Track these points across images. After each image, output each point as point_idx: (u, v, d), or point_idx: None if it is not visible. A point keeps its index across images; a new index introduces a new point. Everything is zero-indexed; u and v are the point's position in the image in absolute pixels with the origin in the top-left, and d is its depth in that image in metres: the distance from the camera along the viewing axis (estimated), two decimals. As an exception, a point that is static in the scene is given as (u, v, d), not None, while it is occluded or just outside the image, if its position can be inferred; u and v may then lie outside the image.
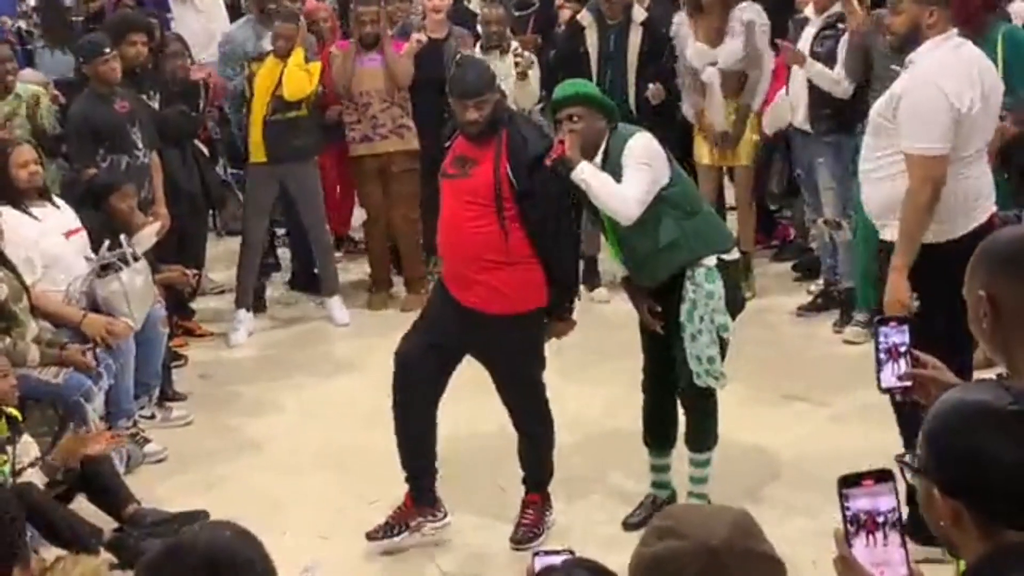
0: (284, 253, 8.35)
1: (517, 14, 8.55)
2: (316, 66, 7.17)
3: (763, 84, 7.13)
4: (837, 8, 6.64)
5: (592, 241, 6.94)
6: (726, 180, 7.82)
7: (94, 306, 5.60)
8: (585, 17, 7.41)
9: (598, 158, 4.54)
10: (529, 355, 4.78)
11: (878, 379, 2.66)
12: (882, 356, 2.64)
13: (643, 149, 4.53)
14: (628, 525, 4.86)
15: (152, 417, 6.01)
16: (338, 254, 8.21)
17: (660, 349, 4.75)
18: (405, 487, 4.83)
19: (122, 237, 5.74)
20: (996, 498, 1.80)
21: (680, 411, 4.83)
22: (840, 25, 6.60)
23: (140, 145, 6.49)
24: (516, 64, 7.40)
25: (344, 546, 4.83)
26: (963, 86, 4.27)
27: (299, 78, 7.04)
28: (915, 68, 4.33)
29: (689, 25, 7.14)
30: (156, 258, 6.17)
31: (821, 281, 7.21)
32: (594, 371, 6.19)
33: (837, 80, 6.53)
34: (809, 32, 6.75)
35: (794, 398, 5.99)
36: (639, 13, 7.35)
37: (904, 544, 1.91)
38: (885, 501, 1.91)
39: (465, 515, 4.99)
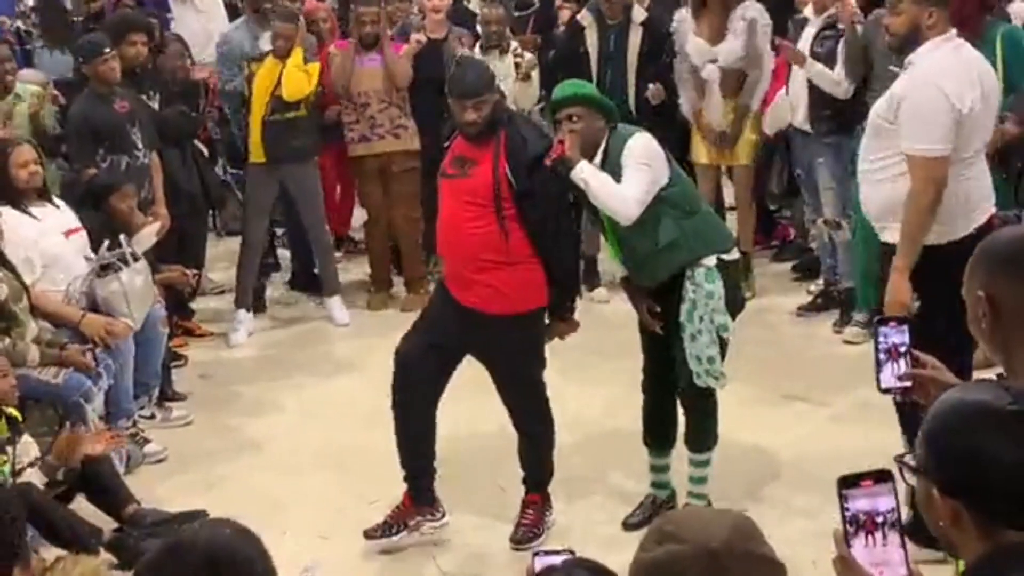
0: (284, 253, 8.35)
1: (517, 14, 8.56)
2: (315, 66, 7.17)
3: (762, 84, 7.13)
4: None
5: (592, 241, 6.94)
6: (725, 180, 7.83)
7: (94, 306, 5.60)
8: (585, 17, 7.42)
9: (597, 158, 4.54)
10: (529, 355, 4.78)
11: (878, 379, 2.66)
12: (882, 356, 2.65)
13: (642, 149, 4.53)
14: (628, 525, 4.86)
15: (152, 417, 6.01)
16: (338, 254, 8.22)
17: (660, 349, 4.75)
18: (404, 487, 4.83)
19: (122, 237, 5.74)
20: (995, 498, 1.80)
21: (680, 411, 4.83)
22: (840, 25, 6.60)
23: (140, 145, 6.49)
24: (518, 66, 7.41)
25: (344, 546, 4.83)
26: (963, 87, 4.27)
27: (298, 78, 7.05)
28: (915, 69, 4.33)
29: (691, 22, 7.14)
30: (156, 258, 6.17)
31: (821, 281, 7.22)
32: (594, 371, 6.19)
33: (837, 80, 6.54)
34: (809, 32, 6.75)
35: (794, 398, 5.99)
36: (639, 13, 7.35)
37: (903, 544, 1.91)
38: (884, 501, 1.91)
39: (465, 515, 4.99)
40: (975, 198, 4.39)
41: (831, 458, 4.80)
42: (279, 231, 8.27)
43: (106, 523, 4.76)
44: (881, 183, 4.42)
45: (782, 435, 5.56)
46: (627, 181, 4.47)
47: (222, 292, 7.91)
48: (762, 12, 7.06)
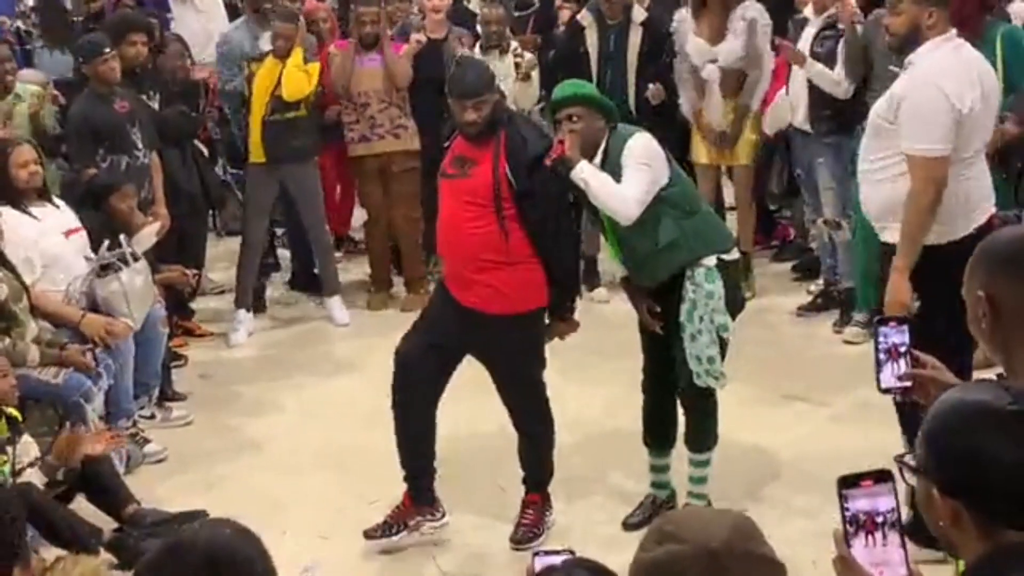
0: (284, 253, 8.36)
1: (517, 14, 8.56)
2: (315, 66, 7.17)
3: (762, 84, 7.13)
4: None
5: (592, 241, 6.94)
6: (725, 180, 7.83)
7: (94, 306, 5.60)
8: (585, 17, 7.41)
9: (597, 158, 4.54)
10: (529, 355, 4.78)
11: (878, 379, 2.66)
12: (882, 356, 2.64)
13: (642, 149, 4.53)
14: (628, 525, 4.86)
15: (152, 417, 6.01)
16: (338, 254, 8.22)
17: (660, 349, 4.75)
18: (404, 487, 4.83)
19: (121, 237, 5.74)
20: (995, 498, 1.80)
21: (680, 411, 4.83)
22: (840, 25, 6.60)
23: (140, 145, 6.49)
24: (517, 66, 7.40)
25: (344, 546, 4.83)
26: (964, 87, 4.27)
27: (298, 78, 7.05)
28: (915, 69, 4.33)
29: (691, 22, 7.13)
30: (156, 258, 6.17)
31: (821, 281, 7.22)
32: (594, 371, 6.19)
33: (837, 81, 6.54)
34: (809, 32, 6.75)
35: (794, 398, 5.99)
36: (639, 13, 7.35)
37: (903, 544, 1.91)
38: (884, 501, 1.91)
39: (465, 515, 4.99)
40: (975, 198, 4.39)
41: (831, 458, 4.80)
42: (279, 231, 8.28)
43: (106, 523, 4.76)
44: (881, 183, 4.42)
45: (782, 435, 5.56)
46: (627, 181, 4.47)
47: (222, 292, 7.91)
48: (762, 12, 7.06)
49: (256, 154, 7.17)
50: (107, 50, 6.38)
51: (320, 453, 5.69)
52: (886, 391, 2.67)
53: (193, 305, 7.41)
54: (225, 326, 7.32)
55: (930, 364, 2.63)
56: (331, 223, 7.82)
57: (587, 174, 4.47)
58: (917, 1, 4.34)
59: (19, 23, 9.33)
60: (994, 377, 2.10)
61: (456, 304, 4.71)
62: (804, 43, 6.71)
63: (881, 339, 2.65)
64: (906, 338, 2.64)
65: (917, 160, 4.25)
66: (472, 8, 8.81)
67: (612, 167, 4.51)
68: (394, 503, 4.84)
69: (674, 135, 6.98)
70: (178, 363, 6.67)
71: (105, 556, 4.52)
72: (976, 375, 3.53)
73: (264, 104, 7.08)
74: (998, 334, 2.27)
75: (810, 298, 7.22)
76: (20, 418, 4.73)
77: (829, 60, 6.58)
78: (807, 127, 6.77)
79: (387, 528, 4.79)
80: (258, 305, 7.51)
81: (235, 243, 7.68)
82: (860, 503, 1.91)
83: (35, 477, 4.49)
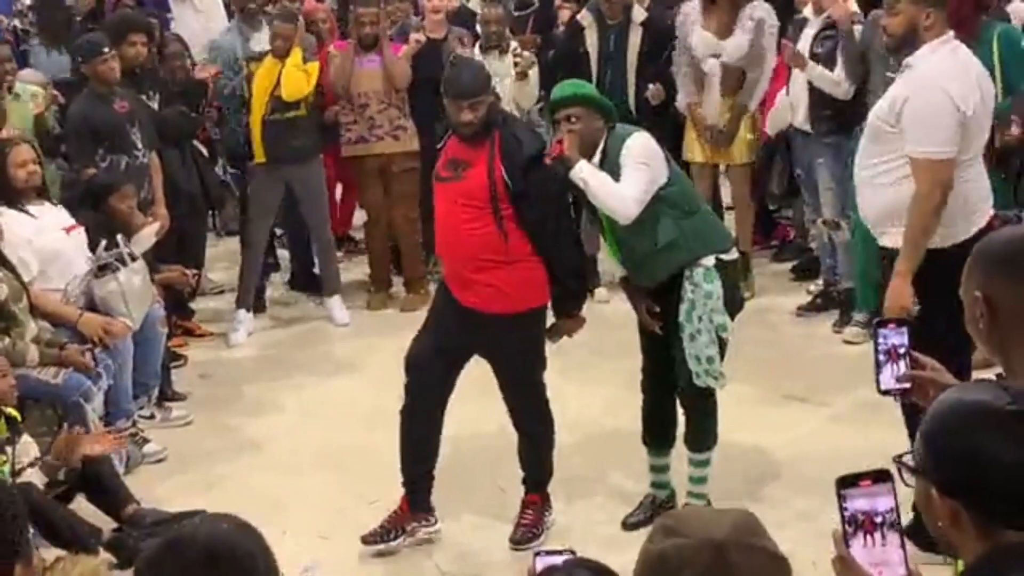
0: (284, 253, 8.35)
1: (516, 14, 8.56)
2: (314, 66, 7.17)
3: (762, 84, 7.13)
4: (837, 8, 6.65)
5: (592, 241, 6.92)
6: (723, 179, 7.82)
7: (92, 306, 5.60)
8: (585, 17, 7.41)
9: (596, 158, 4.54)
10: (530, 355, 4.78)
11: (877, 381, 2.66)
12: (881, 358, 2.64)
13: (641, 148, 4.53)
14: (628, 525, 4.87)
15: (152, 417, 6.01)
16: (338, 254, 8.21)
17: (659, 349, 4.75)
18: (403, 488, 4.83)
19: (119, 237, 5.74)
20: (995, 498, 1.80)
21: (680, 411, 4.83)
22: (840, 26, 6.60)
23: (139, 145, 6.49)
24: (516, 64, 7.40)
25: (344, 546, 4.83)
26: (966, 88, 4.27)
27: (297, 78, 7.05)
28: (915, 72, 4.32)
29: (698, 15, 7.12)
30: (156, 258, 6.17)
31: (820, 281, 7.22)
32: (594, 371, 6.20)
33: (837, 81, 6.54)
34: (809, 33, 6.75)
35: (794, 398, 5.99)
36: (639, 13, 7.35)
37: (903, 544, 1.91)
38: (883, 501, 1.91)
39: (465, 515, 4.99)
40: (973, 199, 4.39)
41: (831, 458, 4.80)
42: (279, 231, 8.27)
43: (106, 523, 4.76)
44: (884, 187, 4.40)
45: (782, 435, 5.56)
46: (626, 180, 4.48)
47: (222, 292, 7.91)
48: (770, 12, 7.06)
49: (258, 154, 7.17)
50: (106, 50, 6.38)
51: (320, 453, 5.69)
52: (885, 392, 2.67)
53: (193, 305, 7.41)
54: (225, 326, 7.32)
55: (929, 365, 2.63)
56: (331, 223, 7.82)
57: (586, 173, 4.47)
58: (915, 1, 4.34)
59: (16, 22, 9.31)
60: (993, 377, 2.10)
61: (457, 304, 4.71)
62: (804, 43, 6.71)
63: (880, 341, 2.65)
64: (905, 339, 2.64)
65: (922, 163, 4.24)
66: (472, 8, 8.81)
67: (611, 167, 4.51)
68: (394, 503, 4.84)
69: (670, 133, 6.98)
70: (178, 363, 6.67)
71: (105, 556, 4.52)
72: (975, 375, 3.53)
73: (264, 104, 7.08)
74: (996, 334, 2.27)
75: (810, 298, 7.22)
76: (19, 418, 4.73)
77: (829, 60, 6.58)
78: (807, 127, 6.77)
79: (385, 533, 4.79)
80: (258, 305, 7.51)
81: (235, 243, 7.68)
82: (859, 503, 1.91)
83: (35, 477, 4.49)
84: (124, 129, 6.42)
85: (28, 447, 4.64)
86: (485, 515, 5.01)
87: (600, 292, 7.33)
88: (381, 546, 4.78)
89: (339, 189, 8.44)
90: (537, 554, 2.07)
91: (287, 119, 7.11)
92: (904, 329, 2.66)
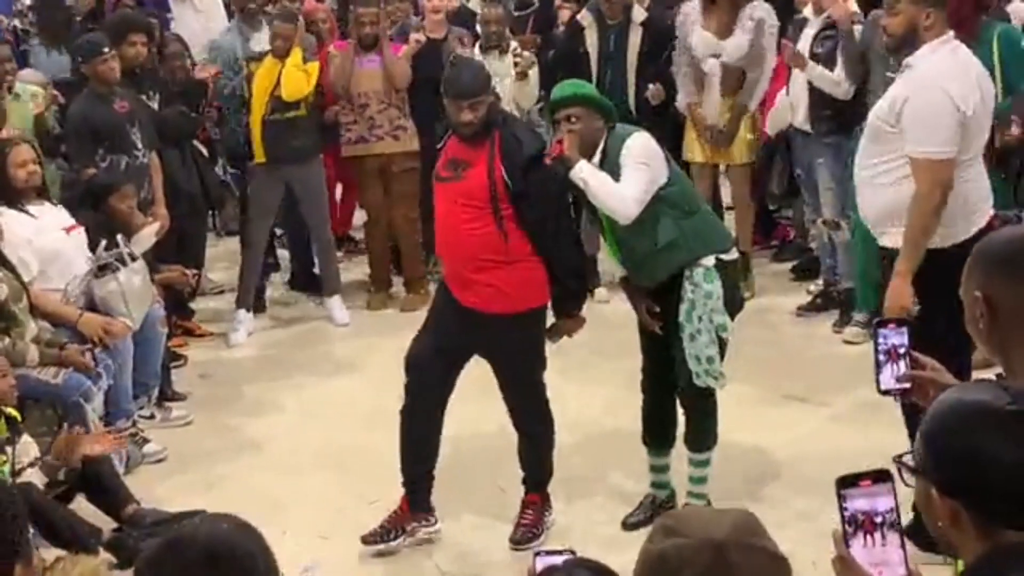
0: (284, 253, 8.35)
1: (516, 14, 8.56)
2: (314, 66, 7.17)
3: (762, 84, 7.13)
4: (837, 8, 6.65)
5: (592, 241, 6.92)
6: (723, 179, 7.82)
7: (92, 306, 5.60)
8: (585, 17, 7.41)
9: (596, 158, 4.54)
10: (530, 355, 4.78)
11: (877, 381, 2.66)
12: (881, 358, 2.64)
13: (641, 148, 4.53)
14: (628, 525, 4.87)
15: (151, 417, 6.01)
16: (338, 254, 8.21)
17: (659, 349, 4.75)
18: (403, 488, 4.83)
19: (119, 237, 5.74)
20: (994, 498, 1.80)
21: (680, 411, 4.83)
22: (840, 26, 6.60)
23: (139, 145, 6.49)
24: (516, 64, 7.40)
25: (344, 546, 4.83)
26: (966, 89, 4.27)
27: (297, 78, 7.05)
28: (915, 72, 4.32)
29: (698, 14, 7.11)
30: (156, 258, 6.17)
31: (820, 281, 7.22)
32: (594, 371, 6.20)
33: (837, 82, 6.54)
34: (809, 33, 6.75)
35: (794, 398, 5.99)
36: (639, 13, 7.35)
37: (903, 544, 1.91)
38: (883, 501, 1.91)
39: (465, 515, 4.99)
40: (973, 199, 4.39)
41: (831, 458, 4.80)
42: (278, 231, 8.27)
43: (106, 523, 4.76)
44: (884, 188, 4.40)
45: (782, 435, 5.56)
46: (626, 180, 4.48)
47: (221, 292, 7.91)
48: (770, 13, 7.06)
49: (258, 154, 7.17)
50: (106, 50, 6.38)
51: (320, 453, 5.69)
52: (885, 393, 2.66)
53: (193, 305, 7.41)
54: (225, 326, 7.32)
55: (929, 365, 2.63)
56: (331, 223, 7.82)
57: (586, 174, 4.47)
58: (915, 1, 4.34)
59: (16, 22, 9.31)
60: (993, 377, 2.10)
61: (457, 304, 4.71)
62: (804, 43, 6.71)
63: (880, 341, 2.65)
64: (905, 339, 2.64)
65: (922, 163, 4.24)
66: (472, 8, 8.81)
67: (611, 167, 4.51)
68: (394, 503, 4.85)
69: (670, 133, 6.99)
70: (178, 363, 6.67)
71: (104, 556, 4.52)
72: (975, 375, 3.53)
73: (264, 104, 7.08)
74: (996, 334, 2.27)
75: (810, 298, 7.22)
76: (19, 418, 4.73)
77: (829, 60, 6.58)
78: (807, 127, 6.77)
79: (385, 533, 4.79)
80: (258, 305, 7.51)
81: (235, 243, 7.68)
82: (859, 503, 1.91)
83: (35, 477, 4.49)
84: (124, 129, 6.42)
85: (28, 447, 4.64)
86: (485, 515, 5.01)
87: (600, 292, 7.33)
88: (381, 546, 4.78)
89: (339, 189, 8.44)
90: (537, 554, 2.07)
91: (287, 119, 7.11)
92: (904, 329, 2.66)
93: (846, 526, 1.92)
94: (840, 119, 6.58)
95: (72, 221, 5.75)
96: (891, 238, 4.39)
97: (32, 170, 5.64)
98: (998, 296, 2.25)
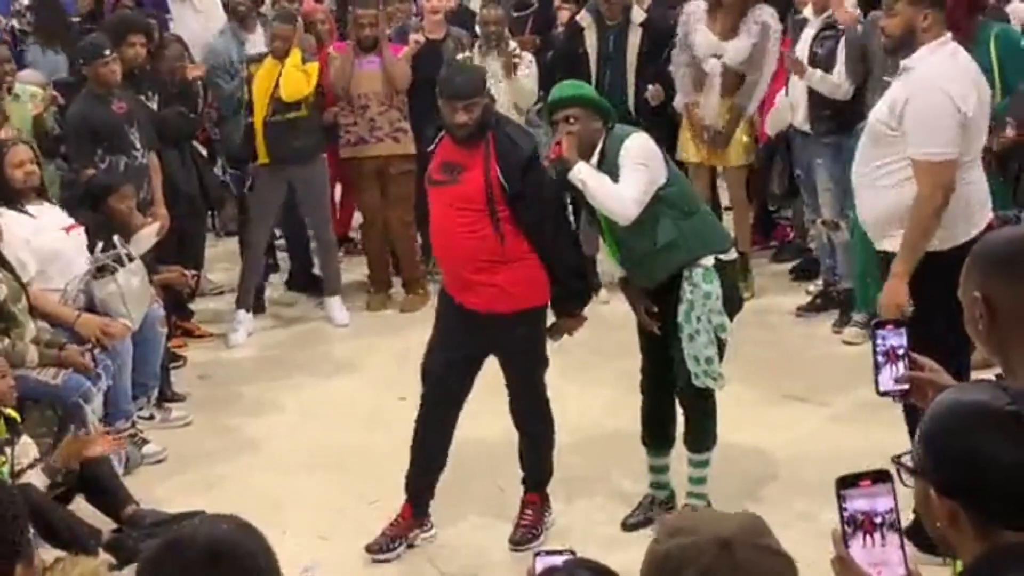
0: (283, 254, 8.35)
1: (516, 15, 8.55)
2: (313, 66, 7.17)
3: (760, 87, 7.12)
4: (837, 8, 6.65)
5: (591, 242, 6.93)
6: (721, 180, 7.82)
7: (91, 307, 5.59)
8: (584, 18, 7.41)
9: (594, 159, 4.55)
10: (531, 354, 4.78)
11: (876, 382, 2.65)
12: (880, 359, 2.64)
13: (640, 149, 4.53)
14: (627, 525, 4.87)
15: (151, 418, 6.00)
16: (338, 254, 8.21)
17: (658, 349, 4.76)
18: (403, 487, 4.83)
19: (116, 238, 5.74)
20: (993, 499, 1.80)
21: (679, 411, 4.83)
22: (840, 26, 6.61)
23: (138, 146, 6.49)
24: (516, 66, 7.38)
25: (344, 546, 4.83)
26: (967, 90, 4.27)
27: (296, 79, 7.04)
28: (915, 74, 4.32)
29: (702, 14, 7.11)
30: (155, 259, 6.17)
31: (820, 282, 7.22)
32: (594, 372, 6.20)
33: (838, 84, 6.54)
34: (809, 33, 6.75)
35: (793, 398, 6.00)
36: (638, 14, 7.35)
37: (902, 545, 1.91)
38: (883, 502, 1.91)
39: (465, 515, 5.00)
40: (974, 201, 4.39)
41: (830, 458, 4.79)
42: (277, 232, 8.27)
43: (105, 524, 4.76)
44: (884, 190, 4.39)
45: (781, 435, 5.56)
46: (624, 181, 4.48)
47: (221, 293, 7.91)
48: (774, 17, 7.06)
49: (261, 155, 7.18)
50: (108, 52, 6.38)
51: (320, 453, 5.69)
52: (884, 394, 2.66)
53: (192, 306, 7.41)
54: (224, 327, 7.31)
55: (928, 366, 2.63)
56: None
57: (585, 175, 4.48)
58: (913, 3, 4.34)
59: (14, 22, 9.30)
60: (992, 378, 2.10)
61: (459, 310, 4.70)
62: (804, 43, 6.72)
63: (879, 342, 2.65)
64: (904, 340, 2.64)
65: (923, 165, 4.24)
66: (472, 8, 8.81)
67: (609, 167, 4.51)
68: (394, 504, 4.84)
69: (668, 134, 6.99)
70: (177, 364, 6.67)
71: (104, 557, 4.52)
72: (975, 375, 3.54)
73: (265, 105, 7.08)
74: (995, 335, 2.27)
75: (809, 298, 7.22)
76: (19, 419, 4.73)
77: (829, 60, 6.58)
78: (807, 127, 6.77)
79: (388, 543, 4.77)
80: (257, 305, 7.51)
81: (234, 243, 7.67)
82: (858, 503, 1.92)
83: (36, 479, 4.49)
84: (122, 130, 6.42)
85: (27, 448, 4.63)
86: (485, 515, 5.01)
87: (600, 292, 7.33)
88: (384, 556, 4.77)
89: (338, 190, 8.43)
90: (537, 554, 2.06)
91: (288, 120, 7.10)
92: (902, 330, 2.65)
93: (845, 526, 1.92)
94: (839, 119, 6.58)
95: (72, 220, 5.75)
96: (892, 242, 4.38)
97: (30, 170, 5.64)
98: (997, 297, 2.25)
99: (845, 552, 1.92)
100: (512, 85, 7.35)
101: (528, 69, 7.43)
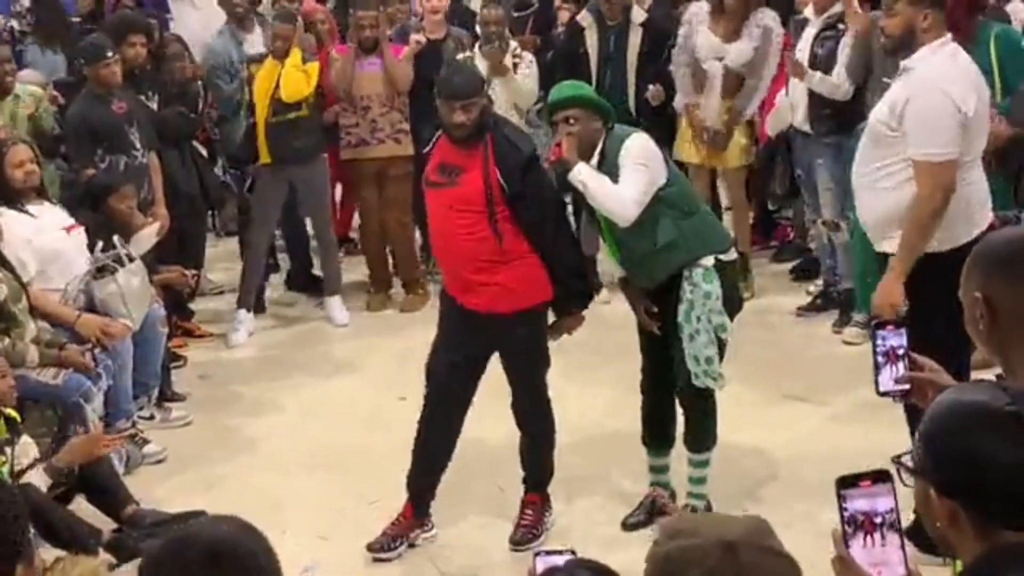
0: (283, 254, 8.35)
1: (516, 15, 8.55)
2: (314, 66, 7.17)
3: (760, 91, 7.12)
4: (837, 8, 6.64)
5: (591, 242, 6.93)
6: (720, 180, 7.82)
7: (92, 307, 5.59)
8: (585, 18, 7.41)
9: (594, 159, 4.55)
10: (533, 353, 4.78)
11: (876, 382, 2.66)
12: (880, 359, 2.64)
13: (640, 150, 4.53)
14: (628, 525, 4.87)
15: (151, 418, 6.01)
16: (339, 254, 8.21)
17: (658, 349, 4.76)
18: (403, 487, 4.83)
19: (116, 238, 5.74)
20: (993, 499, 1.80)
21: (679, 411, 4.83)
22: (840, 26, 6.61)
23: (138, 145, 6.49)
24: (516, 67, 7.37)
25: (344, 546, 4.83)
26: (967, 90, 4.27)
27: (296, 79, 7.04)
28: (915, 74, 4.32)
29: (705, 16, 7.10)
30: (155, 259, 6.17)
31: (820, 282, 7.22)
32: (594, 372, 6.20)
33: (838, 84, 6.54)
34: (809, 33, 6.75)
35: (794, 398, 6.00)
36: (639, 14, 7.35)
37: (902, 545, 1.91)
38: (883, 502, 1.91)
39: (465, 515, 5.00)
40: (974, 202, 4.39)
41: (830, 458, 4.80)
42: (277, 232, 8.27)
43: (105, 524, 4.76)
44: (885, 192, 4.39)
45: (781, 435, 5.56)
46: (625, 182, 4.48)
47: (221, 293, 7.91)
48: (776, 21, 7.06)
49: (263, 155, 7.18)
50: (110, 54, 6.39)
51: (320, 453, 5.69)
52: (884, 394, 2.66)
53: (192, 306, 7.41)
54: (225, 327, 7.32)
55: (928, 366, 2.64)
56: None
57: (585, 175, 4.48)
58: (913, 3, 4.34)
59: (13, 22, 9.30)
60: (992, 378, 2.10)
61: (461, 312, 4.70)
62: (804, 43, 6.71)
63: (879, 342, 2.65)
64: (904, 341, 2.64)
65: (923, 165, 4.24)
66: (472, 8, 8.81)
67: (609, 168, 4.52)
68: (394, 504, 4.85)
69: (668, 134, 6.98)
70: (177, 364, 6.67)
71: (104, 557, 4.52)
72: (975, 376, 3.53)
73: (266, 106, 7.08)
74: (995, 335, 2.27)
75: (809, 298, 7.23)
76: (19, 419, 4.73)
77: (829, 60, 6.58)
78: (807, 128, 6.77)
79: (389, 542, 4.77)
80: (257, 305, 7.51)
81: (234, 243, 7.67)
82: (858, 503, 1.92)
83: (37, 479, 4.49)
84: (122, 129, 6.42)
85: (28, 448, 4.63)
86: (486, 515, 5.01)
87: (600, 292, 7.34)
88: (385, 555, 4.78)
89: (339, 190, 8.43)
90: (538, 554, 2.07)
91: (289, 120, 7.10)
92: (902, 330, 2.66)
93: (846, 526, 1.92)
94: (840, 119, 6.58)
95: (72, 220, 5.75)
96: (892, 243, 4.38)
97: (30, 170, 5.64)
98: (997, 297, 2.25)
99: (845, 552, 1.92)
100: (502, 81, 7.31)
101: (528, 69, 7.42)
